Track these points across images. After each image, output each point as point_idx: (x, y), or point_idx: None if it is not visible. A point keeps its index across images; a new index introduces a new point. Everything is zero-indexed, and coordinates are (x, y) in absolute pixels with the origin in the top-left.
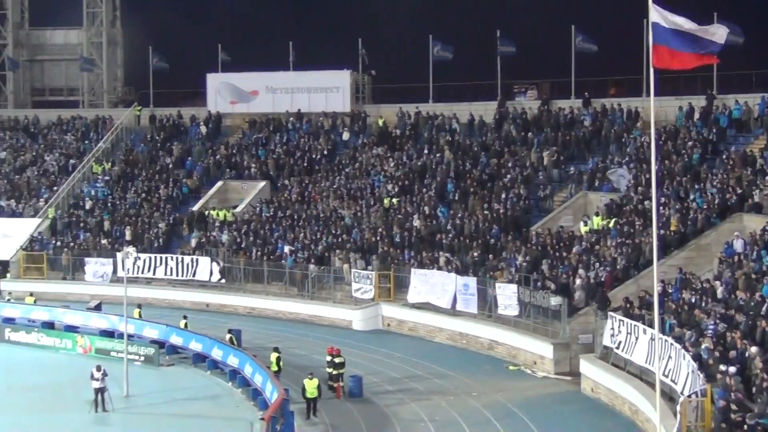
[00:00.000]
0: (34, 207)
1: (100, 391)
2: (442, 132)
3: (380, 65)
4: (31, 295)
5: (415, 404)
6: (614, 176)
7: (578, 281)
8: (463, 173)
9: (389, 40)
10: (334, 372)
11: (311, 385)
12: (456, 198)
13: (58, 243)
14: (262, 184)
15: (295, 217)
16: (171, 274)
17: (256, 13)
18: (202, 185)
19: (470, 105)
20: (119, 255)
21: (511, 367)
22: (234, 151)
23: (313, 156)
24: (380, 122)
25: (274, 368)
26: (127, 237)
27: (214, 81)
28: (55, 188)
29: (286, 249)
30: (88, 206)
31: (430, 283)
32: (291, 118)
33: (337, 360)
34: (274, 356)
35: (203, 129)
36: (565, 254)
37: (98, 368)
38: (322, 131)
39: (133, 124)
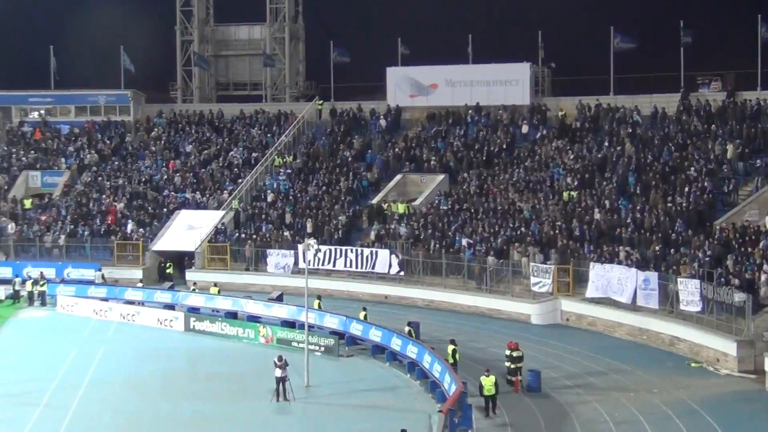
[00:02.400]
0: (218, 199)
1: (281, 380)
2: (623, 124)
3: (560, 57)
4: (215, 285)
5: (594, 400)
6: None
7: (764, 277)
8: (644, 166)
9: (569, 32)
10: (513, 366)
11: (488, 383)
12: (637, 191)
13: (242, 235)
14: (441, 177)
15: (473, 210)
16: (350, 266)
17: (436, 6)
18: (381, 178)
19: (652, 97)
20: (300, 247)
21: (692, 364)
22: (413, 145)
23: (492, 149)
24: (560, 115)
25: (450, 360)
26: (308, 230)
27: (394, 74)
28: (239, 180)
29: (464, 242)
30: (270, 198)
31: (609, 278)
32: (470, 111)
33: (515, 354)
34: (450, 348)
35: (383, 122)
36: (750, 249)
37: (279, 358)
38: (501, 124)
39: (314, 118)
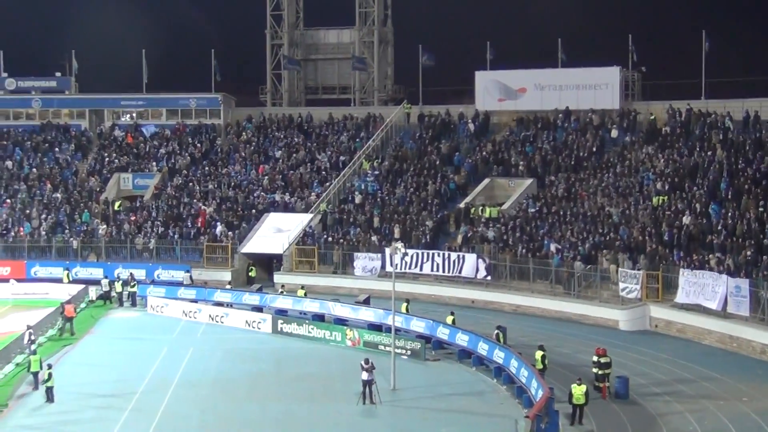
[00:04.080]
0: (306, 201)
1: (368, 383)
2: (715, 130)
3: (651, 61)
4: (303, 288)
5: (682, 408)
6: None
7: None
8: (736, 172)
9: (660, 36)
10: (600, 372)
11: (578, 391)
12: (728, 197)
13: (329, 239)
14: (529, 181)
15: (562, 214)
16: (437, 270)
17: (524, 9)
18: (469, 182)
19: (744, 101)
20: (388, 250)
21: None
22: (501, 148)
23: (581, 153)
24: (650, 119)
25: (539, 366)
26: (396, 235)
27: (483, 78)
28: (327, 183)
29: (553, 247)
30: (357, 200)
31: (700, 284)
32: (559, 115)
33: (603, 360)
34: (539, 354)
35: (471, 126)
36: None
37: (366, 361)
38: (591, 128)
39: (402, 122)
